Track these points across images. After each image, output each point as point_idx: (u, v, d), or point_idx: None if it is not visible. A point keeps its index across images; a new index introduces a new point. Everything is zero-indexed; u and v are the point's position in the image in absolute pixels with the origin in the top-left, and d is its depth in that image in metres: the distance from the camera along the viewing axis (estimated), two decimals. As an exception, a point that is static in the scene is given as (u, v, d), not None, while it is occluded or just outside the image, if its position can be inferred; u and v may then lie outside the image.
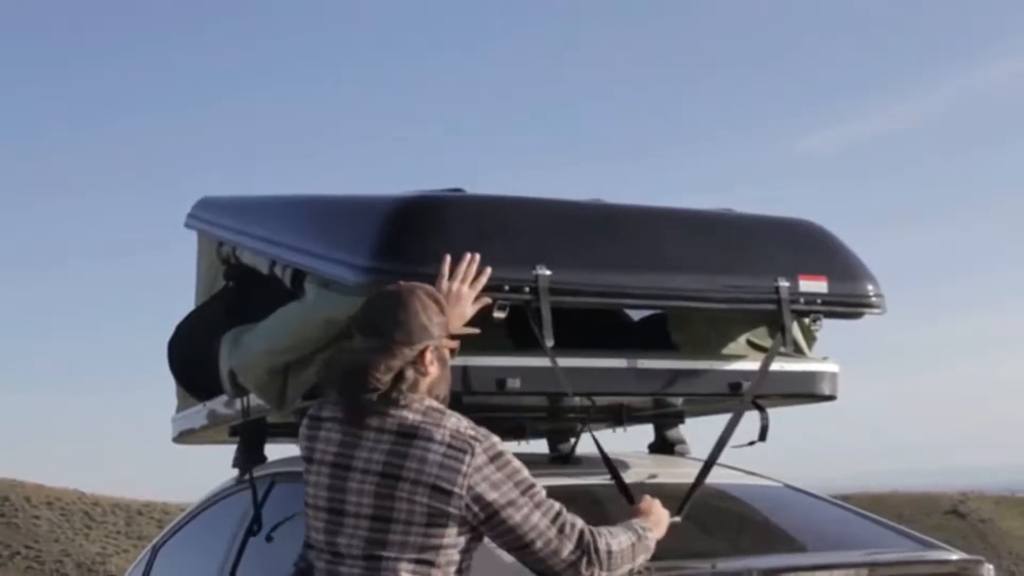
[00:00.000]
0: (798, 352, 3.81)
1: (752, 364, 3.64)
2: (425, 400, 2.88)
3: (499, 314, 3.26)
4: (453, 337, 3.00)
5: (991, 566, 3.48)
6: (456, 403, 3.00)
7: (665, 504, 3.14)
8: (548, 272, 3.30)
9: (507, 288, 3.25)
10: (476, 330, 3.15)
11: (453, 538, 2.82)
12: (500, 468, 2.82)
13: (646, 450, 4.54)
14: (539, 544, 2.82)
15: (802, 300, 3.61)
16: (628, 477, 3.55)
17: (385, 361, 2.84)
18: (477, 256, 3.17)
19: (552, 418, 4.41)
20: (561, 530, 2.83)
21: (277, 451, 4.45)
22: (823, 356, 3.88)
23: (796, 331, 3.77)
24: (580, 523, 2.87)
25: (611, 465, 3.48)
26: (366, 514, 2.83)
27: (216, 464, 4.88)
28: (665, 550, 3.05)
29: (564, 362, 3.33)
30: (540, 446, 4.76)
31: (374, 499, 2.82)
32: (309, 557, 2.95)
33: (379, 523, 2.81)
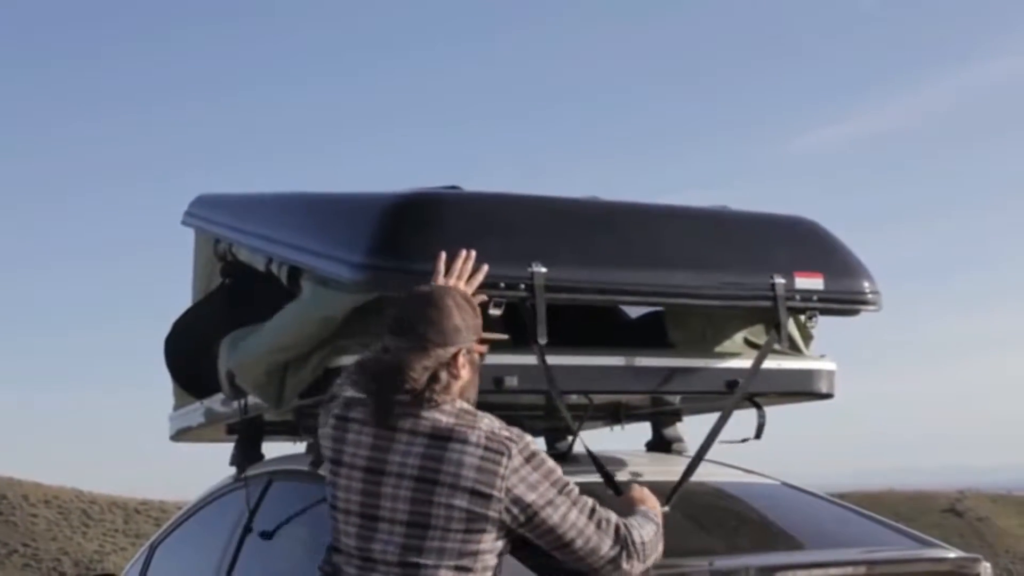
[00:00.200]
0: (794, 349, 3.82)
1: (748, 362, 3.63)
2: (457, 402, 2.82)
3: (495, 311, 3.25)
4: (482, 341, 2.95)
5: (988, 564, 3.48)
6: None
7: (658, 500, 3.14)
8: (544, 269, 3.29)
9: (503, 285, 3.23)
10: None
11: (491, 543, 2.76)
12: (536, 468, 2.79)
13: (643, 448, 4.54)
14: (579, 542, 2.79)
15: (798, 297, 3.60)
16: (623, 475, 3.54)
17: (420, 361, 2.78)
18: (473, 253, 3.15)
19: (550, 416, 4.40)
20: (599, 526, 2.81)
21: (274, 449, 4.45)
22: (820, 354, 3.88)
23: (792, 328, 3.77)
24: (614, 517, 2.85)
25: (597, 461, 3.48)
26: (401, 520, 2.75)
27: (213, 462, 4.87)
28: (663, 548, 3.04)
29: (560, 360, 3.33)
30: (539, 446, 4.75)
31: (410, 504, 2.74)
32: (336, 561, 2.86)
33: (415, 529, 2.74)
